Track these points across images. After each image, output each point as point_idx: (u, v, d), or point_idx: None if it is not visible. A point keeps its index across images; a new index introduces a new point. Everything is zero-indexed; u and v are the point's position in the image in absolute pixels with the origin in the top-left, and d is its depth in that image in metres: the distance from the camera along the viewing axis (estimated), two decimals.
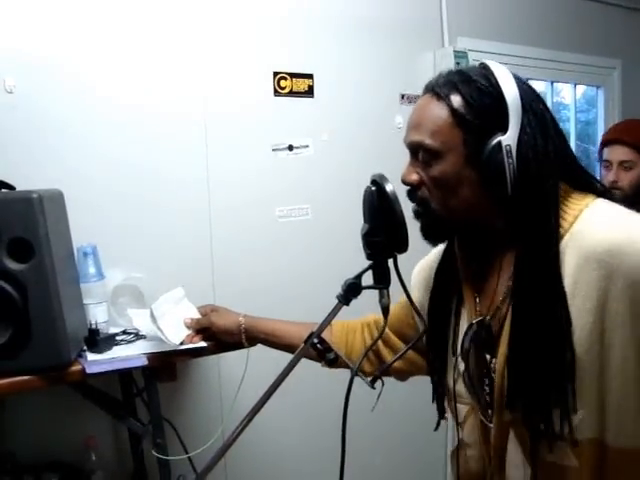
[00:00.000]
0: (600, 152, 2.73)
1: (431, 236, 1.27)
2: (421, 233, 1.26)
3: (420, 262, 1.52)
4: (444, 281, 1.36)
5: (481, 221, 1.22)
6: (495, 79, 1.16)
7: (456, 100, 1.16)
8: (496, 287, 1.23)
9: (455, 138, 1.16)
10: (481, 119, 1.15)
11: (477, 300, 1.27)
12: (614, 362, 1.08)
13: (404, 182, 1.24)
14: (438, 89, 1.19)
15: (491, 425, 1.24)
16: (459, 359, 1.30)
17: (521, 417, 1.17)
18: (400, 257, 1.23)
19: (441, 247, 1.39)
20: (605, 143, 2.70)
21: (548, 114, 1.19)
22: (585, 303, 1.08)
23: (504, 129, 1.14)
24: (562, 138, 1.20)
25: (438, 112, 1.18)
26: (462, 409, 1.32)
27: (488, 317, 1.25)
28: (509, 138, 1.13)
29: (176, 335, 1.81)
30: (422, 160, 1.20)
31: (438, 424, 1.44)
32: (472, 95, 1.15)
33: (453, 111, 1.16)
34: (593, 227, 1.10)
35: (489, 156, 1.14)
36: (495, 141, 1.13)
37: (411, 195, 1.24)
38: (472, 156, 1.16)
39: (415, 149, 1.22)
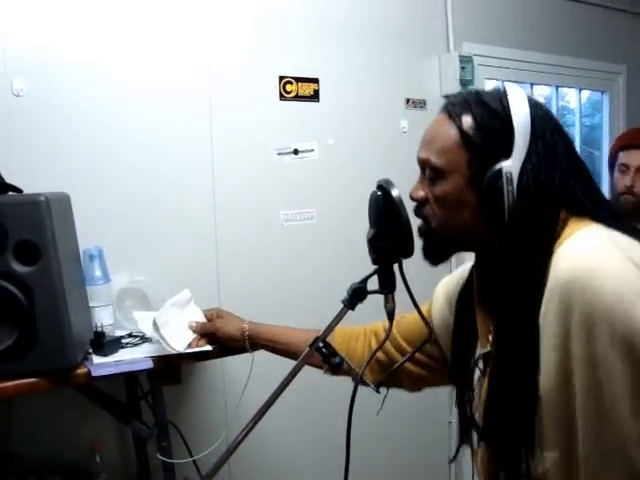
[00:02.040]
0: (614, 155, 2.69)
1: (430, 255, 1.25)
2: (422, 252, 1.24)
3: (445, 278, 1.51)
4: (465, 309, 1.34)
5: (478, 245, 1.21)
6: (507, 103, 1.14)
7: (466, 121, 1.15)
8: None
9: (460, 159, 1.15)
10: (487, 142, 1.13)
11: (491, 329, 1.24)
12: (578, 406, 1.03)
13: (411, 198, 1.23)
14: (452, 108, 1.18)
15: None
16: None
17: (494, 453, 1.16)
18: (406, 262, 1.23)
19: (465, 268, 1.38)
20: (623, 147, 2.67)
21: (562, 145, 1.16)
22: (551, 337, 1.04)
23: (509, 155, 1.11)
24: (576, 168, 1.17)
25: (447, 131, 1.16)
26: (476, 437, 1.30)
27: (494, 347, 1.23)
28: (511, 165, 1.11)
29: (180, 341, 1.81)
30: (428, 177, 1.20)
31: (457, 452, 1.39)
32: (482, 117, 1.14)
33: (461, 131, 1.14)
34: (564, 256, 1.06)
35: (490, 181, 1.12)
36: (497, 167, 1.11)
37: (417, 211, 1.23)
38: (475, 179, 1.14)
39: (423, 166, 1.22)
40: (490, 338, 1.23)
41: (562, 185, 1.13)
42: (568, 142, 1.18)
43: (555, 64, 3.42)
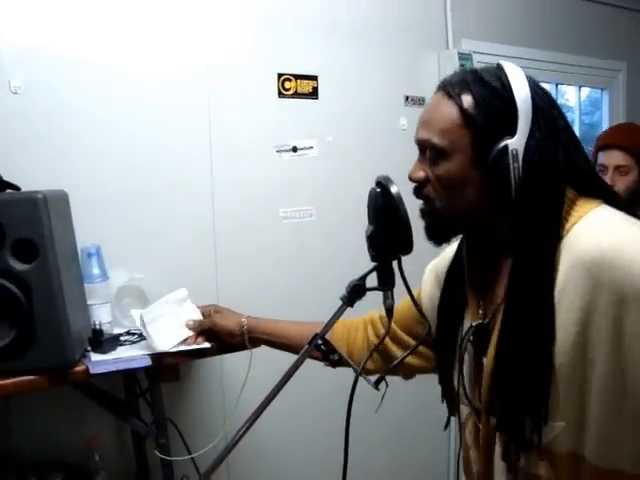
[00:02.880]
0: (594, 156, 2.70)
1: (435, 236, 1.25)
2: (425, 232, 1.25)
3: (433, 261, 1.52)
4: (453, 284, 1.35)
5: (484, 223, 1.21)
6: (508, 81, 1.14)
7: (467, 100, 1.15)
8: (497, 291, 1.22)
9: (463, 138, 1.15)
10: (490, 121, 1.13)
11: (481, 303, 1.27)
12: (595, 379, 1.05)
13: (410, 179, 1.23)
14: (450, 88, 1.18)
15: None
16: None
17: (497, 422, 1.17)
18: (404, 259, 1.23)
19: (451, 249, 1.38)
20: (600, 147, 2.67)
21: (562, 120, 1.18)
22: (570, 312, 1.06)
23: (513, 132, 1.12)
24: (575, 145, 1.18)
25: (448, 111, 1.17)
26: (464, 410, 1.31)
27: (487, 320, 1.24)
28: (516, 142, 1.12)
29: (166, 340, 1.81)
30: (429, 158, 1.20)
31: (448, 421, 1.42)
32: (483, 96, 1.14)
33: (463, 111, 1.15)
34: (585, 233, 1.08)
35: (495, 159, 1.12)
36: (502, 144, 1.12)
37: (417, 192, 1.23)
38: (479, 158, 1.14)
39: (423, 147, 1.22)
40: (480, 312, 1.26)
41: (567, 161, 1.14)
42: (564, 119, 1.19)
43: (555, 61, 3.42)
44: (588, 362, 1.05)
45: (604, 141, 2.69)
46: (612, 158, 2.59)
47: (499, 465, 1.21)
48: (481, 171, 1.15)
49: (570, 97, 3.88)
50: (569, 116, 3.86)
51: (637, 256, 1.01)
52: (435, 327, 1.39)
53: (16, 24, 2.00)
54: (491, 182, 1.14)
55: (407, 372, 1.60)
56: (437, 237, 1.25)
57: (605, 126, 3.87)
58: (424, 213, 1.24)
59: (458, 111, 1.15)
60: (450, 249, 1.41)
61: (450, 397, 1.38)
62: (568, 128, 1.19)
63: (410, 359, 1.52)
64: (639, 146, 2.57)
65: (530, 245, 1.12)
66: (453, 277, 1.35)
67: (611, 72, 3.81)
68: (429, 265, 1.53)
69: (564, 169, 1.14)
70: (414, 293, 1.32)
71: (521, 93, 1.13)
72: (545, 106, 1.15)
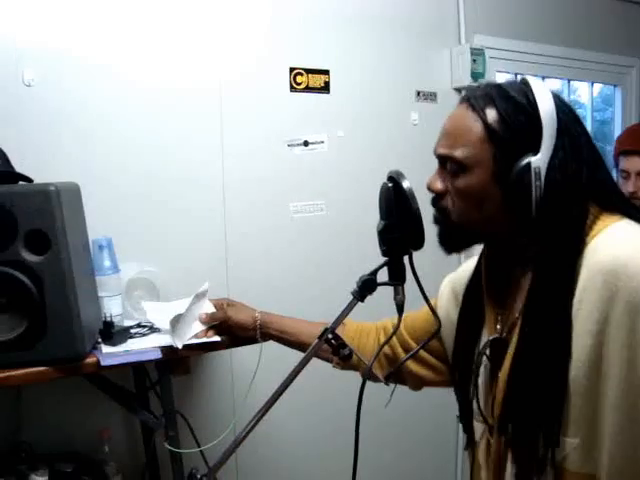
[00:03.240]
0: (616, 159, 2.69)
1: (447, 244, 1.25)
2: (438, 239, 1.25)
3: (450, 275, 1.51)
4: (472, 298, 1.34)
5: (501, 238, 1.21)
6: (533, 97, 1.13)
7: (491, 114, 1.14)
8: (515, 305, 1.22)
9: (485, 153, 1.14)
10: (514, 137, 1.12)
11: (498, 318, 1.26)
12: (610, 393, 1.04)
13: (429, 189, 1.22)
14: (474, 101, 1.17)
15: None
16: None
17: (511, 438, 1.16)
18: (416, 254, 1.23)
19: (471, 263, 1.39)
20: (622, 152, 2.65)
21: (585, 136, 1.16)
22: (586, 324, 1.05)
23: (536, 149, 1.11)
24: (597, 160, 1.17)
25: (471, 125, 1.15)
26: (478, 428, 1.30)
27: (504, 334, 1.23)
28: (540, 160, 1.10)
29: (182, 336, 1.81)
30: (450, 170, 1.19)
31: (468, 440, 1.38)
32: (508, 111, 1.13)
33: (486, 125, 1.13)
34: (603, 245, 1.07)
35: (517, 176, 1.11)
36: (525, 161, 1.11)
37: (434, 202, 1.23)
38: (500, 173, 1.13)
39: (444, 159, 1.21)
40: (498, 327, 1.25)
41: (590, 179, 1.13)
42: (588, 135, 1.18)
43: (567, 57, 3.39)
44: (602, 375, 1.04)
45: (626, 147, 2.67)
46: (635, 164, 2.58)
47: None
48: (502, 187, 1.14)
49: (582, 93, 3.85)
50: (581, 113, 3.83)
51: None
52: (453, 342, 1.39)
53: (31, 17, 2.01)
54: (511, 198, 1.13)
55: (416, 382, 1.58)
56: (449, 245, 1.25)
57: (618, 123, 3.84)
58: (437, 221, 1.24)
59: (482, 125, 1.14)
60: (467, 264, 1.42)
61: (466, 414, 1.36)
62: (591, 144, 1.18)
63: (421, 370, 1.52)
64: None
65: (551, 261, 1.11)
66: (472, 292, 1.35)
67: (624, 68, 3.78)
68: (445, 279, 1.52)
69: (587, 186, 1.13)
70: (432, 302, 1.32)
71: (546, 110, 1.12)
72: (569, 123, 1.14)
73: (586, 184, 1.12)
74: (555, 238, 1.11)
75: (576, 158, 1.13)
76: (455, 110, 1.22)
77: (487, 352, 1.26)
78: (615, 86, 3.86)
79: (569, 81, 3.61)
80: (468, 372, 1.32)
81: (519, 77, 1.21)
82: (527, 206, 1.12)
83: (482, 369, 1.27)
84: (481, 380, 1.28)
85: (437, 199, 1.22)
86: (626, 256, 1.02)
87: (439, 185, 1.21)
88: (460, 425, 1.43)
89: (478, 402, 1.28)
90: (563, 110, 1.14)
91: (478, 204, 1.17)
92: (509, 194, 1.13)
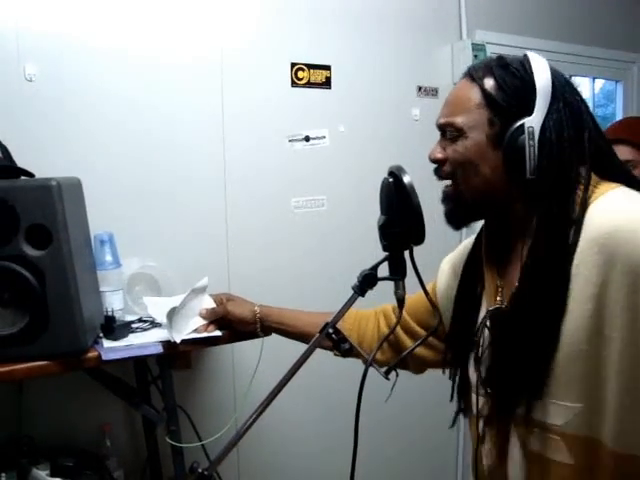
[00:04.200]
0: None
1: (454, 220, 1.28)
2: (445, 217, 1.27)
3: (449, 255, 1.53)
4: (471, 270, 1.36)
5: (502, 204, 1.23)
6: (530, 65, 1.18)
7: (488, 82, 1.19)
8: (515, 274, 1.22)
9: (482, 117, 1.19)
10: (509, 101, 1.17)
11: (499, 289, 1.27)
12: (612, 357, 1.05)
13: (430, 159, 1.26)
14: (474, 72, 1.22)
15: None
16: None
17: (495, 399, 1.19)
18: (416, 249, 1.23)
19: (468, 242, 1.41)
20: (611, 142, 2.65)
21: (583, 105, 1.20)
22: (585, 289, 1.07)
23: (531, 113, 1.15)
24: (597, 130, 1.20)
25: (469, 93, 1.21)
26: (480, 401, 1.30)
27: (505, 304, 1.24)
28: (533, 120, 1.14)
29: (182, 331, 1.82)
30: (449, 137, 1.23)
31: (455, 419, 1.42)
32: (504, 78, 1.18)
33: (484, 92, 1.18)
34: (600, 211, 1.09)
35: (511, 137, 1.15)
36: (519, 123, 1.15)
37: (437, 171, 1.26)
38: (496, 136, 1.17)
39: (444, 128, 1.25)
40: (499, 298, 1.26)
41: (590, 144, 1.16)
42: (585, 104, 1.21)
43: (568, 52, 3.38)
44: (604, 339, 1.05)
45: (610, 136, 2.66)
46: (620, 153, 2.55)
47: (514, 454, 1.21)
48: (498, 149, 1.17)
49: (584, 89, 3.84)
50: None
51: None
52: (451, 317, 1.40)
53: (32, 12, 2.00)
54: (507, 160, 1.16)
55: (418, 364, 1.60)
56: (456, 221, 1.28)
57: (619, 118, 3.83)
58: (446, 197, 1.27)
59: (479, 92, 1.19)
60: (465, 243, 1.43)
61: (463, 390, 1.37)
62: (589, 113, 1.20)
63: (422, 351, 1.52)
64: None
65: (548, 225, 1.13)
66: (472, 264, 1.36)
67: (625, 64, 3.77)
68: (445, 259, 1.53)
69: (586, 150, 1.15)
70: (428, 287, 1.32)
71: (541, 76, 1.16)
72: (566, 90, 1.18)
73: (582, 147, 1.15)
74: (547, 199, 1.13)
75: (573, 122, 1.16)
76: (457, 83, 1.27)
77: (487, 323, 1.26)
78: (617, 82, 3.86)
79: (571, 76, 3.58)
80: (468, 346, 1.32)
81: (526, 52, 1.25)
82: (523, 167, 1.15)
83: (482, 341, 1.27)
84: (481, 351, 1.28)
85: (439, 168, 1.26)
86: (623, 220, 1.04)
87: (438, 153, 1.25)
88: (460, 421, 1.44)
89: (480, 374, 1.28)
90: (559, 79, 1.19)
91: (476, 168, 1.20)
92: (505, 156, 1.17)
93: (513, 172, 1.16)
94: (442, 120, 1.24)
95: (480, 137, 1.19)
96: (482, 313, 1.30)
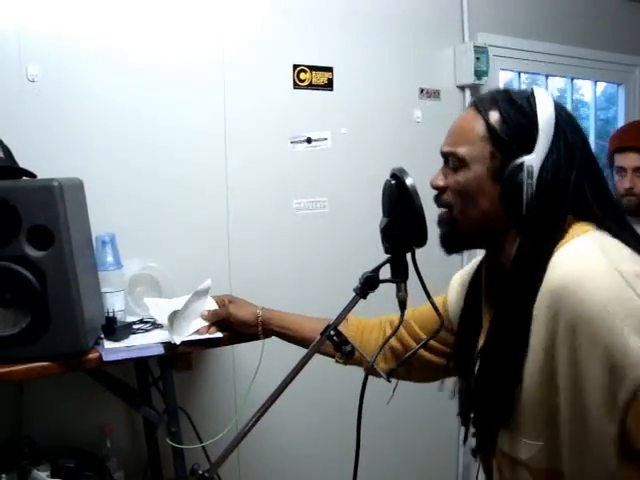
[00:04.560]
0: (610, 157, 2.68)
1: (447, 245, 1.29)
2: (440, 240, 1.29)
3: (460, 271, 1.54)
4: (472, 301, 1.38)
5: (496, 237, 1.24)
6: (535, 101, 1.18)
7: (494, 115, 1.20)
8: None
9: (484, 150, 1.19)
10: (512, 137, 1.17)
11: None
12: (564, 406, 1.08)
13: (432, 185, 1.27)
14: (480, 104, 1.23)
15: None
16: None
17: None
18: (418, 251, 1.23)
19: (477, 261, 1.42)
20: (617, 149, 2.66)
21: (581, 144, 1.20)
22: (538, 341, 1.10)
23: (532, 151, 1.15)
24: (590, 165, 1.21)
25: (474, 124, 1.21)
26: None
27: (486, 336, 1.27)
28: (533, 159, 1.15)
29: (183, 332, 1.82)
30: (451, 166, 1.24)
31: (466, 437, 1.41)
32: (509, 113, 1.18)
33: (488, 125, 1.19)
34: (559, 261, 1.10)
35: (511, 173, 1.16)
36: (520, 160, 1.15)
37: (437, 199, 1.27)
38: (497, 171, 1.18)
39: (447, 156, 1.26)
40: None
41: (576, 185, 1.17)
42: (586, 143, 1.22)
43: (571, 55, 3.39)
44: (555, 389, 1.09)
45: (620, 143, 2.67)
46: (630, 160, 2.59)
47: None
48: (497, 185, 1.18)
49: (585, 92, 3.85)
50: (584, 111, 3.83)
51: (593, 289, 1.02)
52: (454, 345, 1.43)
53: (33, 13, 2.00)
54: (505, 195, 1.18)
55: (424, 370, 1.59)
56: (450, 246, 1.29)
57: (621, 121, 3.82)
58: (442, 221, 1.28)
59: (484, 124, 1.20)
60: (475, 261, 1.44)
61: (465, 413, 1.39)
62: (587, 150, 1.21)
63: (431, 357, 1.54)
64: None
65: (522, 265, 1.16)
66: (473, 295, 1.38)
67: (627, 67, 3.77)
68: (455, 275, 1.55)
69: (572, 193, 1.16)
70: (438, 300, 1.34)
71: (545, 114, 1.17)
72: (568, 129, 1.18)
73: (572, 189, 1.16)
74: (532, 241, 1.16)
75: (568, 162, 1.17)
76: (463, 113, 1.28)
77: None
78: (619, 85, 3.86)
79: (572, 79, 3.61)
80: (467, 374, 1.34)
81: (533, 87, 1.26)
82: (519, 204, 1.16)
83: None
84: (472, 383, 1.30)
85: (439, 195, 1.26)
86: (571, 276, 1.06)
87: (440, 181, 1.26)
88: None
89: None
90: (563, 117, 1.19)
91: (475, 199, 1.21)
92: (503, 191, 1.18)
93: (509, 207, 1.18)
94: (446, 149, 1.25)
95: (481, 170, 1.19)
96: (480, 344, 1.31)
